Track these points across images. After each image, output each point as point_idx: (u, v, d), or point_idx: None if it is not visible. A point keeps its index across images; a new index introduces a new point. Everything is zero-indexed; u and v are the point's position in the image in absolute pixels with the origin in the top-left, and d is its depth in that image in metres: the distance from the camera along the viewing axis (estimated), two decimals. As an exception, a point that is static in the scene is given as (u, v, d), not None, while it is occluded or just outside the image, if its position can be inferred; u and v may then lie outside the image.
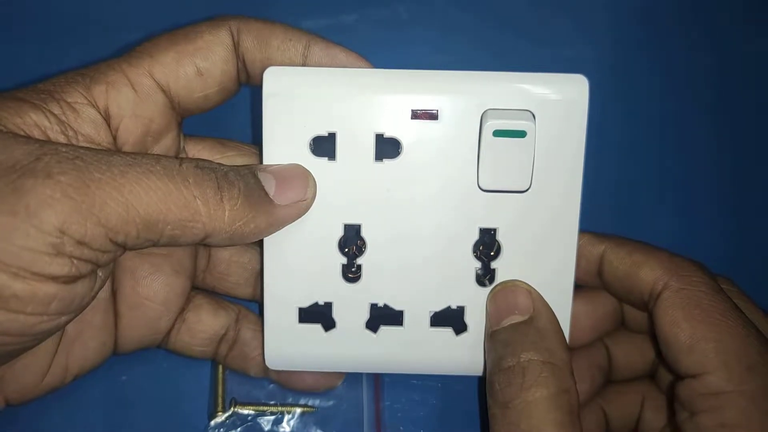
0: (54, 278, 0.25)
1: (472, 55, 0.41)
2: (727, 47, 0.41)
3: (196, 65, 0.31)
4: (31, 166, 0.25)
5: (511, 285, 0.32)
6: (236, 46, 0.31)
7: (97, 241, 0.25)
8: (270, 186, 0.29)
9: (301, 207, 0.31)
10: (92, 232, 0.25)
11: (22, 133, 0.27)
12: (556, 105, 0.31)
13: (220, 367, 0.37)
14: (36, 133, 0.27)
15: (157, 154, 0.28)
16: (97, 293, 0.28)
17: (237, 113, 0.38)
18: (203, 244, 0.30)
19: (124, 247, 0.26)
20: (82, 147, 0.26)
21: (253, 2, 0.39)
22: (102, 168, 0.25)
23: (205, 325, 0.35)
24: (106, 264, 0.27)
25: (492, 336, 0.32)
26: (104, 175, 0.25)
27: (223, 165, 0.29)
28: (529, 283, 0.32)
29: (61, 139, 0.27)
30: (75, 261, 0.25)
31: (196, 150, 0.34)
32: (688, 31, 0.41)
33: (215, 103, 0.32)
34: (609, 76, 0.41)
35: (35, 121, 0.27)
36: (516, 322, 0.31)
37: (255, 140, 0.38)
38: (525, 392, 0.29)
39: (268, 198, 0.29)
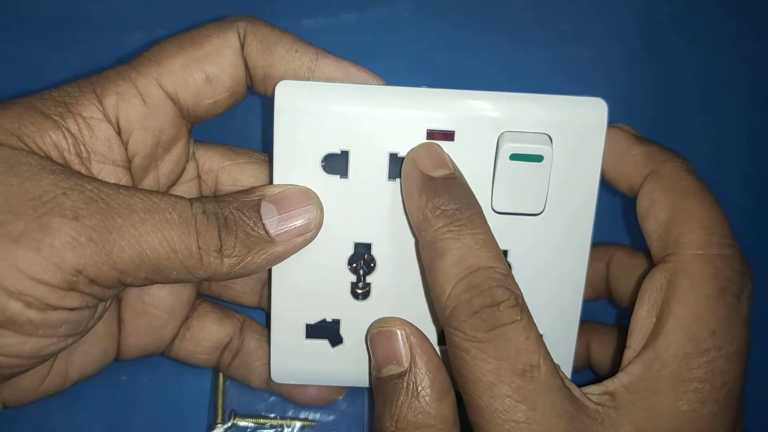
0: (64, 308, 0.26)
1: (474, 54, 0.40)
2: (727, 49, 0.41)
3: (204, 72, 0.30)
4: (59, 201, 0.26)
5: (387, 330, 0.31)
6: (242, 48, 0.31)
7: (108, 281, 0.27)
8: (272, 223, 0.29)
9: (306, 239, 0.30)
10: (106, 274, 0.26)
11: (41, 153, 0.27)
12: (574, 129, 0.30)
13: (221, 378, 0.37)
14: (54, 154, 0.27)
15: (173, 197, 0.28)
16: (102, 315, 0.29)
17: (249, 115, 0.38)
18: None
19: (131, 285, 0.28)
20: (104, 184, 0.27)
21: (253, 1, 0.38)
22: (123, 213, 0.26)
23: (210, 333, 0.35)
24: (111, 297, 0.28)
25: (374, 383, 0.31)
26: (125, 221, 0.26)
27: (225, 205, 0.29)
28: (537, 304, 0.31)
29: (76, 161, 0.28)
30: (85, 296, 0.27)
31: (207, 156, 0.34)
32: (688, 33, 0.41)
33: (225, 108, 0.32)
34: (606, 77, 0.41)
35: (54, 142, 0.27)
36: (393, 373, 0.30)
37: (265, 143, 0.38)
38: None
39: (268, 238, 0.29)
